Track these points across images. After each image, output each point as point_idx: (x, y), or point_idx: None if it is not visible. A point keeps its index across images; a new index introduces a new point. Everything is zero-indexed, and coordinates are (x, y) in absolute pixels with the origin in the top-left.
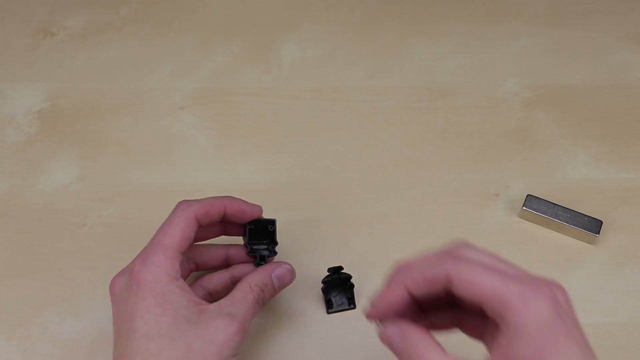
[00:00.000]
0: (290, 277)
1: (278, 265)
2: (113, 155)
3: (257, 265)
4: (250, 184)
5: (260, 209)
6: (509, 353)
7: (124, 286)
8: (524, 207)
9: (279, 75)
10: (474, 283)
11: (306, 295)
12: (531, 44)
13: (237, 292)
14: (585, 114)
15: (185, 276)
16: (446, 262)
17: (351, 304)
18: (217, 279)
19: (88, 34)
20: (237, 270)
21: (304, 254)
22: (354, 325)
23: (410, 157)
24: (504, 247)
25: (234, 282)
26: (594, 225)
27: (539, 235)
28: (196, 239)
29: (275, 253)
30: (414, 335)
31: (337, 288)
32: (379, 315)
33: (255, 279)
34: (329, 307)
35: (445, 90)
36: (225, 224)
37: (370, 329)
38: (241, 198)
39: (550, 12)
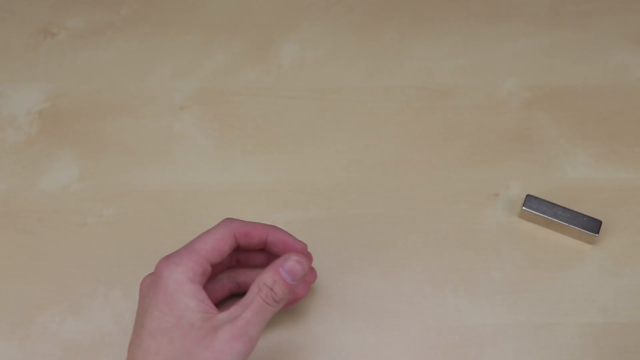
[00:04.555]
0: (301, 267)
1: (286, 259)
2: (113, 155)
3: None
4: (250, 184)
5: (304, 246)
6: None
7: (149, 283)
8: (523, 207)
9: (279, 76)
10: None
11: (307, 295)
12: (531, 44)
13: (247, 295)
14: (585, 114)
15: (224, 295)
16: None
17: None
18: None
19: (88, 34)
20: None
21: None
22: (353, 326)
23: (410, 157)
24: (504, 247)
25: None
26: (593, 225)
27: (538, 236)
28: (240, 264)
29: None
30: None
31: None
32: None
33: (263, 277)
34: None
35: (445, 90)
36: (269, 255)
37: (369, 329)
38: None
39: (550, 12)
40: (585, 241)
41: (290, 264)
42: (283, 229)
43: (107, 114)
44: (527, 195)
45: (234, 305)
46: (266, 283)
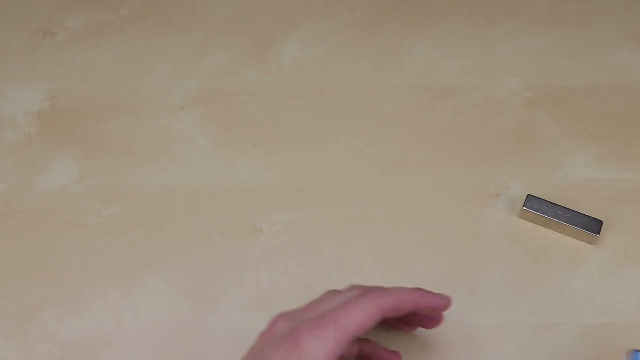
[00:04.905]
0: None
1: None
2: (113, 155)
3: None
4: (250, 184)
5: (450, 302)
6: None
7: (283, 333)
8: (524, 207)
9: (279, 75)
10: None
11: (307, 296)
12: (531, 44)
13: None
14: (585, 114)
15: None
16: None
17: None
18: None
19: (88, 34)
20: (367, 345)
21: (304, 254)
22: None
23: (410, 157)
24: (504, 247)
25: (359, 355)
26: (594, 225)
27: (539, 236)
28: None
29: None
30: None
31: None
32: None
33: None
34: None
35: (445, 90)
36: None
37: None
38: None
39: (550, 12)
40: (585, 241)
41: None
42: (425, 289)
43: (107, 114)
44: (528, 195)
45: None
46: None
